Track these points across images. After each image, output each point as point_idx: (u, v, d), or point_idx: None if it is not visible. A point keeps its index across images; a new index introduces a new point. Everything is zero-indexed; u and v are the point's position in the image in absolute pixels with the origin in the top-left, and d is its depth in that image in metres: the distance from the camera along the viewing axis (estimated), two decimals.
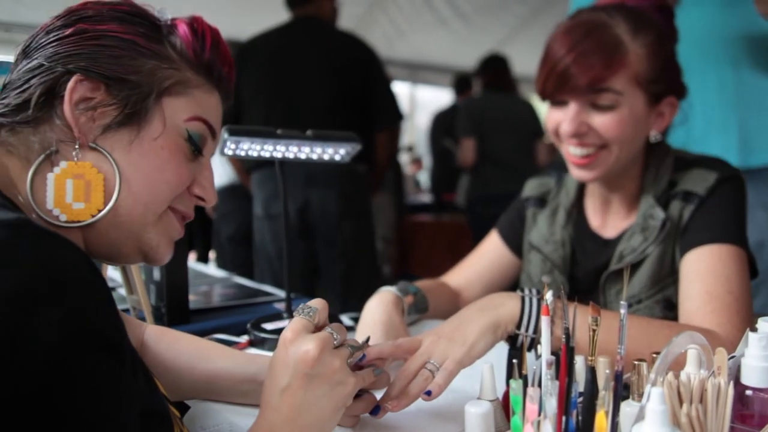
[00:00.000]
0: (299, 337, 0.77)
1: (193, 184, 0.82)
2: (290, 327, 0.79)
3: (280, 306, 1.61)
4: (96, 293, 0.58)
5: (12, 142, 0.72)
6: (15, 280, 0.52)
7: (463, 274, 1.55)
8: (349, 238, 2.91)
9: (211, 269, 2.33)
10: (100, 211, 0.73)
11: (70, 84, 0.71)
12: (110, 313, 0.60)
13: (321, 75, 2.88)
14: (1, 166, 0.71)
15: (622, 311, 0.64)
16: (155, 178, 0.75)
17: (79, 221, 0.72)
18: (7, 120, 0.72)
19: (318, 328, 0.81)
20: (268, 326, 1.33)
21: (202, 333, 1.24)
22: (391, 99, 3.11)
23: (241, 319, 1.44)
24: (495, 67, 4.34)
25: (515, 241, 1.54)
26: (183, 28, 0.80)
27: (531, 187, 1.56)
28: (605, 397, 0.62)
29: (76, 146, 0.72)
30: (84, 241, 0.75)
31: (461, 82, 5.99)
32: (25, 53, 0.74)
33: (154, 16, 0.80)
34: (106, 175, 0.73)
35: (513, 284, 1.57)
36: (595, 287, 1.33)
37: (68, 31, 0.73)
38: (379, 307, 1.21)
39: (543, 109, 1.33)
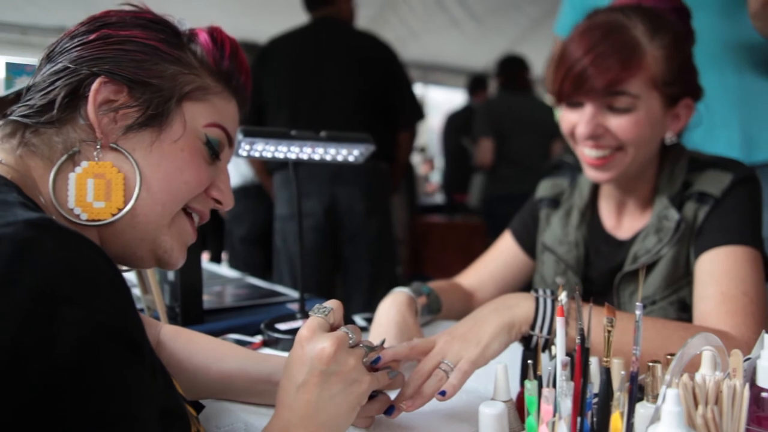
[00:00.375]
0: (315, 335, 0.78)
1: (211, 188, 0.83)
2: (306, 325, 0.79)
3: (293, 306, 1.61)
4: (117, 293, 0.59)
5: (35, 143, 0.73)
6: (37, 279, 0.53)
7: (477, 275, 1.55)
8: (375, 235, 2.94)
9: (224, 269, 2.34)
10: (120, 209, 0.74)
11: (94, 86, 0.73)
12: (131, 313, 0.61)
13: (343, 75, 2.90)
14: (24, 167, 0.73)
15: (638, 312, 0.64)
16: (175, 178, 0.77)
17: (100, 220, 0.73)
18: (32, 121, 0.73)
19: (333, 328, 0.82)
20: (282, 326, 1.33)
21: (216, 333, 1.25)
22: (412, 97, 3.13)
23: (255, 320, 1.45)
24: (513, 68, 4.34)
25: (528, 242, 1.54)
26: (203, 37, 0.82)
27: (544, 188, 1.55)
28: (620, 398, 0.62)
29: (98, 146, 0.73)
30: (100, 242, 0.76)
31: (475, 83, 5.98)
32: (50, 58, 0.76)
33: (175, 25, 0.82)
34: (126, 174, 0.74)
35: (526, 285, 1.57)
36: (609, 288, 1.33)
37: (92, 36, 0.75)
38: (392, 308, 1.22)
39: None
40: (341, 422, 0.78)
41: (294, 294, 1.75)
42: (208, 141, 0.80)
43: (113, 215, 0.74)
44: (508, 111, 4.12)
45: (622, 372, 0.64)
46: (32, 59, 0.81)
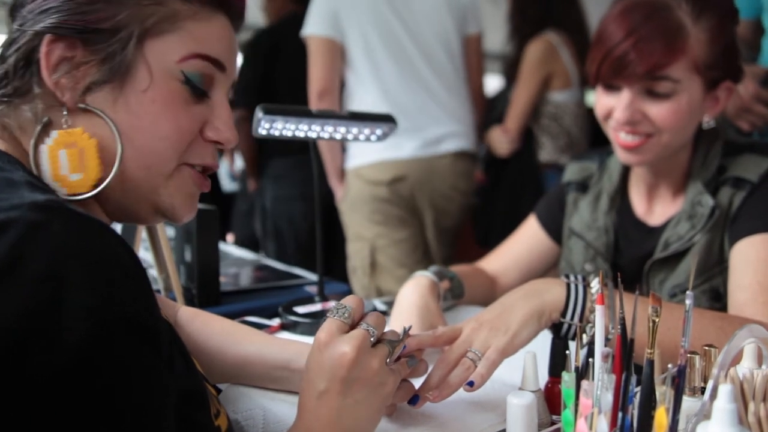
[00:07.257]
0: (334, 339, 0.72)
1: (206, 128, 0.74)
2: (324, 329, 0.73)
3: (311, 289, 1.58)
4: (132, 280, 0.55)
5: (10, 115, 0.68)
6: (44, 264, 0.50)
7: (500, 260, 1.51)
8: None
9: (241, 251, 2.32)
10: (100, 180, 0.67)
11: (43, 47, 0.65)
12: (147, 300, 0.57)
13: None
14: (16, 143, 0.68)
15: (688, 302, 0.60)
16: (150, 136, 0.68)
17: (79, 194, 0.67)
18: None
19: (353, 328, 0.75)
20: (300, 310, 1.30)
21: (233, 315, 1.22)
22: None
23: (272, 302, 1.42)
24: None
25: (554, 227, 1.49)
26: None
27: (572, 172, 1.50)
28: (666, 393, 0.58)
29: (65, 112, 0.67)
30: (101, 209, 0.72)
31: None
32: (12, 16, 0.70)
33: None
34: (100, 141, 0.67)
35: (551, 271, 1.53)
36: (638, 276, 1.28)
37: None
38: (414, 292, 1.18)
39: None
40: (367, 426, 0.74)
41: (311, 276, 1.72)
42: (186, 78, 0.70)
43: (94, 187, 0.67)
44: None
45: (670, 366, 0.59)
46: None
